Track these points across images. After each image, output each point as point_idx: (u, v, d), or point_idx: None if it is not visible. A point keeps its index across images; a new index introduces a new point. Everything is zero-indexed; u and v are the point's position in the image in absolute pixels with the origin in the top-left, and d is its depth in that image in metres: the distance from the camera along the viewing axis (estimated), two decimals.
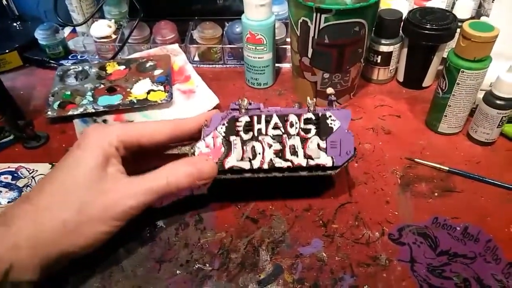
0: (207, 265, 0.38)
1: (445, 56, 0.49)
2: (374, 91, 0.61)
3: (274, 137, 0.40)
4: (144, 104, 0.55)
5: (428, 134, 0.53)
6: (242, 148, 0.40)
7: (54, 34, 0.68)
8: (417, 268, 0.38)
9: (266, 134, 0.40)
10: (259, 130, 0.40)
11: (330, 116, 0.40)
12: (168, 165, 0.38)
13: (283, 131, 0.40)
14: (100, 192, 0.35)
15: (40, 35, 0.67)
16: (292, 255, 0.39)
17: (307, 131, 0.40)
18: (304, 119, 0.40)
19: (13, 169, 0.49)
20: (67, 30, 0.76)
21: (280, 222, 0.42)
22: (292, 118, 0.40)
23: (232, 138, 0.40)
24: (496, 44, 0.45)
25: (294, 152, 0.40)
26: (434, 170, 0.47)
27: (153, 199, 0.37)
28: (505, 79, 0.45)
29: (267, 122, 0.40)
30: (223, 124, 0.39)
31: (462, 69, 0.46)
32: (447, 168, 0.47)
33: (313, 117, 0.40)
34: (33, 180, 0.47)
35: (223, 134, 0.40)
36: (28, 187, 0.46)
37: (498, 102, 0.46)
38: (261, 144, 0.40)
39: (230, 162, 0.40)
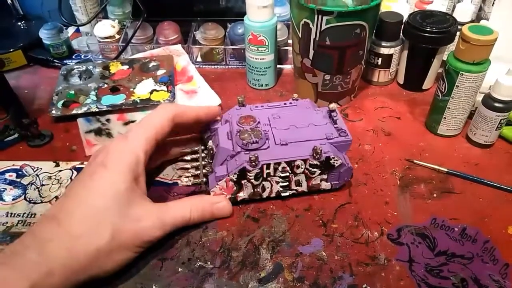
0: (209, 263, 0.39)
1: (445, 59, 0.49)
2: (374, 93, 0.61)
3: (281, 177, 0.42)
4: (147, 104, 0.56)
5: (428, 136, 0.53)
6: (253, 190, 0.43)
7: (58, 34, 0.68)
8: (415, 268, 0.38)
9: (275, 175, 0.42)
10: (268, 173, 0.42)
11: (333, 158, 0.42)
12: (192, 200, 0.41)
13: (290, 172, 0.42)
14: (131, 219, 0.36)
15: (44, 34, 0.68)
16: (292, 254, 0.40)
17: (312, 172, 0.42)
18: (310, 165, 0.42)
19: (18, 167, 0.50)
20: (71, 30, 0.77)
21: (280, 221, 0.43)
22: (299, 162, 0.42)
23: (243, 181, 0.42)
24: (495, 47, 0.45)
25: (298, 184, 0.44)
26: (433, 172, 0.48)
27: (175, 229, 0.39)
28: (504, 82, 0.46)
29: (275, 169, 0.42)
30: (235, 173, 0.41)
31: (461, 72, 0.46)
32: (446, 170, 0.48)
33: (318, 163, 0.42)
34: (37, 177, 0.48)
35: (235, 180, 0.42)
36: (33, 185, 0.47)
37: (496, 104, 0.47)
38: (270, 182, 0.43)
39: (241, 196, 0.43)
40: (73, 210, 0.35)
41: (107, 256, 0.35)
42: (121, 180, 0.36)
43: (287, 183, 0.43)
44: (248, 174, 0.41)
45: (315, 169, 0.42)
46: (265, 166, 0.41)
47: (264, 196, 0.44)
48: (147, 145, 0.39)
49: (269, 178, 0.42)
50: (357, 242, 0.41)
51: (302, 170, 0.42)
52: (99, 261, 0.34)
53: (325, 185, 0.44)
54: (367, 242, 0.41)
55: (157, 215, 0.38)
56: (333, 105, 0.45)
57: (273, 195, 0.44)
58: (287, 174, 0.42)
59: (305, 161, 0.41)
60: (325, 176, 0.43)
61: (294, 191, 0.44)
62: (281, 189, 0.43)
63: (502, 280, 0.37)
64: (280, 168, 0.41)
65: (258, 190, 0.43)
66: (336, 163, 0.42)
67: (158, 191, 0.46)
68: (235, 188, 0.42)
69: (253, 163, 0.40)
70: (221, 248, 0.40)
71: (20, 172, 0.49)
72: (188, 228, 0.42)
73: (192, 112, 0.44)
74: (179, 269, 0.39)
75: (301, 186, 0.44)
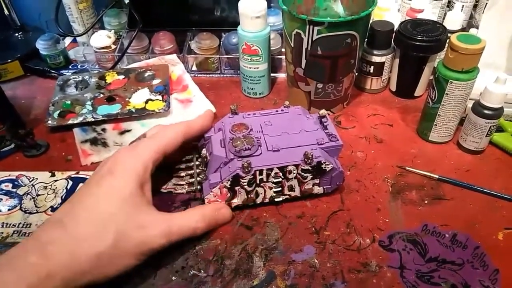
0: (202, 271, 0.39)
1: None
2: (367, 100, 0.62)
3: (274, 183, 0.43)
4: (142, 113, 0.57)
5: (419, 143, 0.54)
6: (247, 196, 0.43)
7: (55, 44, 0.69)
8: (406, 274, 0.39)
9: (268, 181, 0.43)
10: (261, 179, 0.43)
11: (324, 162, 0.42)
12: (197, 210, 0.42)
13: (282, 178, 0.43)
14: (136, 225, 0.36)
15: (41, 45, 0.69)
16: (285, 262, 0.40)
17: (305, 177, 0.43)
18: (302, 169, 0.43)
19: (14, 177, 0.50)
20: (67, 40, 0.78)
21: (273, 229, 0.43)
22: (291, 168, 0.42)
23: (237, 188, 0.43)
24: (485, 55, 0.46)
25: (291, 189, 0.44)
26: (425, 178, 0.49)
27: (180, 239, 0.39)
28: (493, 90, 0.46)
29: (268, 175, 0.42)
30: (228, 180, 0.42)
31: (450, 80, 0.47)
32: (437, 176, 0.48)
33: (310, 168, 0.42)
34: (33, 188, 0.48)
35: (229, 186, 0.42)
36: (28, 195, 0.48)
37: (486, 112, 0.48)
38: (263, 188, 0.43)
39: (236, 203, 0.44)
40: (78, 214, 0.35)
41: (109, 261, 0.34)
42: (128, 186, 0.37)
43: (280, 189, 0.44)
44: (241, 180, 0.42)
45: (307, 174, 0.43)
46: (257, 172, 0.42)
47: (258, 202, 0.44)
48: (155, 155, 0.41)
49: (262, 184, 0.43)
50: (349, 249, 0.41)
51: (295, 175, 0.43)
52: (101, 265, 0.34)
53: (318, 190, 0.45)
54: (359, 249, 0.41)
55: (163, 224, 0.38)
56: (323, 111, 0.46)
57: (266, 200, 0.44)
58: (280, 179, 0.43)
59: (297, 166, 0.42)
60: (317, 181, 0.44)
61: (287, 196, 0.45)
62: (274, 194, 0.44)
63: (492, 286, 0.38)
64: (272, 174, 0.42)
65: (252, 196, 0.44)
66: (328, 167, 0.43)
67: (153, 200, 0.46)
68: (229, 194, 0.43)
69: (246, 170, 0.41)
70: (215, 256, 0.41)
71: (16, 182, 0.49)
72: None
73: (197, 126, 0.46)
74: (173, 278, 0.39)
75: (294, 191, 0.44)
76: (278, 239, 0.42)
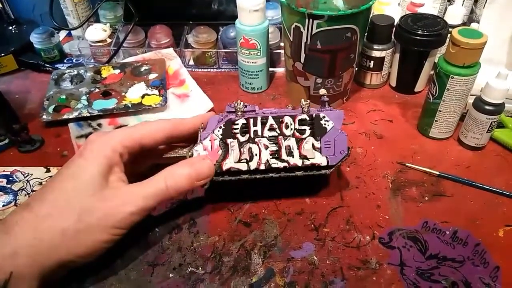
0: (200, 268, 0.39)
1: (437, 62, 0.49)
2: (367, 95, 0.61)
3: (270, 139, 0.41)
4: (138, 108, 0.56)
5: (420, 139, 0.53)
6: (239, 150, 0.41)
7: (49, 38, 0.68)
8: (407, 272, 0.38)
9: (262, 136, 0.41)
10: (255, 131, 0.41)
11: (324, 117, 0.41)
12: (166, 169, 0.38)
13: (278, 132, 0.41)
14: (100, 199, 0.35)
15: (35, 38, 0.68)
16: (283, 259, 0.40)
17: (302, 132, 0.41)
18: (299, 120, 0.41)
19: (8, 173, 0.49)
20: (62, 34, 0.77)
21: (272, 226, 0.43)
22: (287, 119, 0.41)
23: (229, 140, 0.40)
24: (486, 50, 0.46)
25: (289, 153, 0.41)
26: (425, 175, 0.48)
27: (153, 204, 0.37)
28: (494, 85, 0.46)
29: (263, 124, 0.41)
30: (220, 127, 0.40)
31: (451, 75, 0.47)
32: (438, 173, 0.48)
33: (308, 118, 0.41)
34: (28, 183, 0.48)
35: (220, 137, 0.40)
36: (23, 191, 0.47)
37: (487, 107, 0.47)
38: (258, 145, 0.41)
39: (228, 164, 0.41)
40: (45, 195, 0.35)
41: (75, 238, 0.34)
42: (94, 165, 0.36)
43: (277, 148, 0.41)
44: (234, 128, 0.40)
45: (304, 127, 0.41)
46: (251, 120, 0.40)
47: (252, 168, 0.41)
48: (127, 141, 0.39)
49: (256, 140, 0.41)
50: (349, 246, 0.41)
51: (292, 131, 0.41)
52: (68, 243, 0.34)
53: (320, 159, 0.41)
54: (358, 246, 0.41)
55: (128, 192, 0.37)
56: (323, 91, 0.46)
57: (262, 166, 0.41)
58: (275, 134, 0.41)
59: (293, 119, 0.40)
60: (317, 144, 0.41)
61: (285, 164, 0.41)
62: (271, 157, 0.41)
63: (492, 283, 0.37)
64: (267, 126, 0.40)
65: (244, 151, 0.40)
66: (328, 124, 0.41)
67: None
68: (220, 151, 0.40)
69: (239, 112, 0.39)
70: (213, 253, 0.40)
71: (11, 178, 0.48)
72: (179, 233, 0.42)
73: (189, 124, 0.43)
74: (170, 275, 0.38)
75: (293, 156, 0.41)
76: (277, 236, 0.42)
